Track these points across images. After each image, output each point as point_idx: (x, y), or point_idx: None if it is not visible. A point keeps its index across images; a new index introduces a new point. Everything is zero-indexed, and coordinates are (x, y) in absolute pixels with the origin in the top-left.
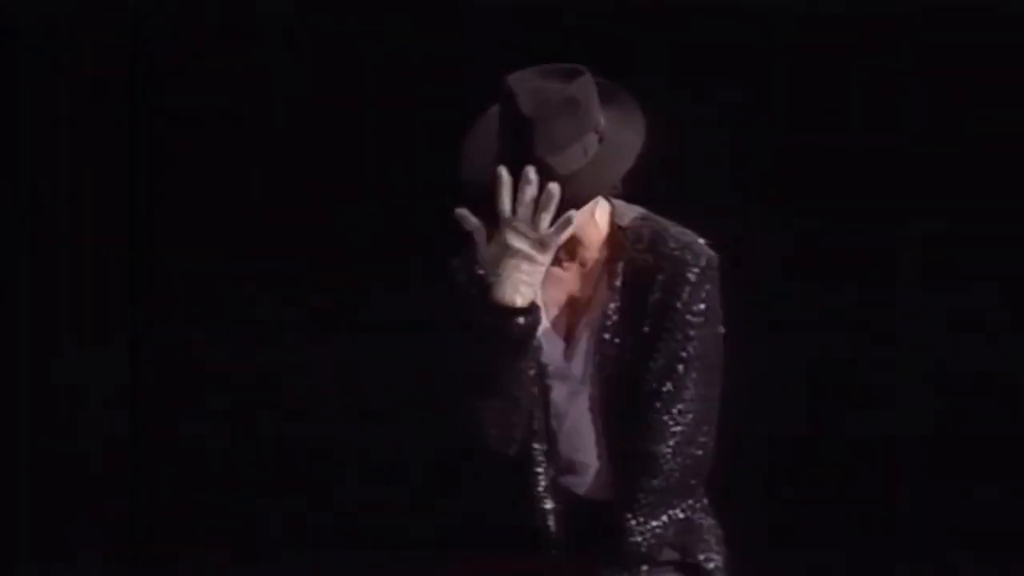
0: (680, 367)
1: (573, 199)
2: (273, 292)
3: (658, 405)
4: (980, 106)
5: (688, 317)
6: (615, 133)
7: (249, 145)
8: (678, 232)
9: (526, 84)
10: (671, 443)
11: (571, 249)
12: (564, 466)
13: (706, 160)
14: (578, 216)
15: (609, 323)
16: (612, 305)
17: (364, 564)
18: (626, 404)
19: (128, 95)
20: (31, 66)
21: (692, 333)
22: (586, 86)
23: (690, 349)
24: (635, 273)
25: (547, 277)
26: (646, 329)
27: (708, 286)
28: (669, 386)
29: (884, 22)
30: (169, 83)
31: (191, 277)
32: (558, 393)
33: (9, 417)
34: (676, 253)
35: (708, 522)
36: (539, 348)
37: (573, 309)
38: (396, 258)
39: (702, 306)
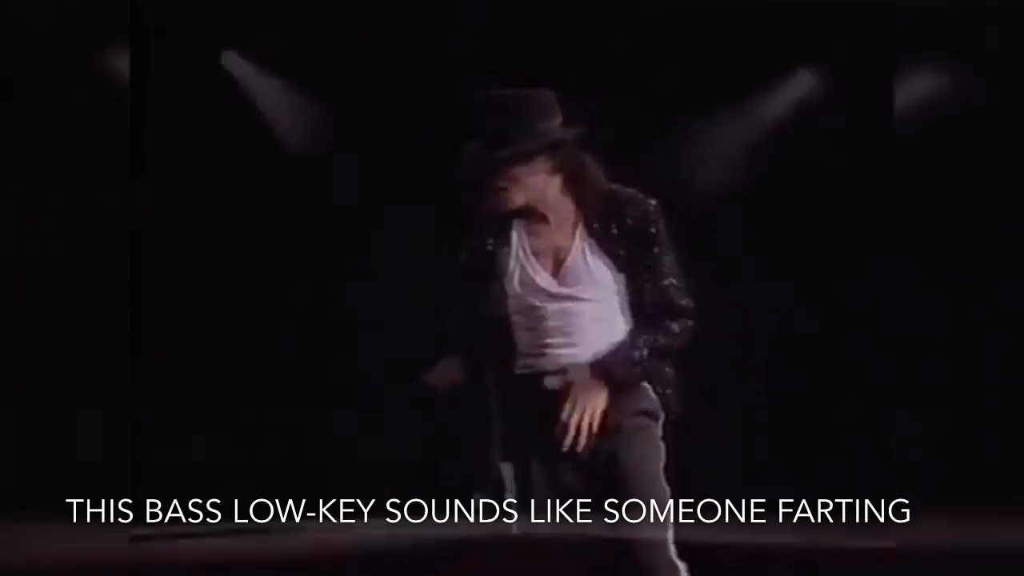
0: (654, 270)
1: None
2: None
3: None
4: None
5: (656, 240)
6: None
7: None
8: (629, 190)
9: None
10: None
11: (546, 212)
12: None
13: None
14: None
15: (593, 252)
16: (591, 241)
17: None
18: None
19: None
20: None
21: (659, 251)
22: (549, 93)
23: (657, 253)
24: (607, 217)
25: (536, 231)
26: (623, 253)
27: (661, 221)
28: (651, 278)
29: None
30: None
31: (191, 277)
32: (550, 307)
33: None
34: (634, 200)
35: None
36: (533, 280)
37: (558, 252)
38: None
39: (661, 230)
